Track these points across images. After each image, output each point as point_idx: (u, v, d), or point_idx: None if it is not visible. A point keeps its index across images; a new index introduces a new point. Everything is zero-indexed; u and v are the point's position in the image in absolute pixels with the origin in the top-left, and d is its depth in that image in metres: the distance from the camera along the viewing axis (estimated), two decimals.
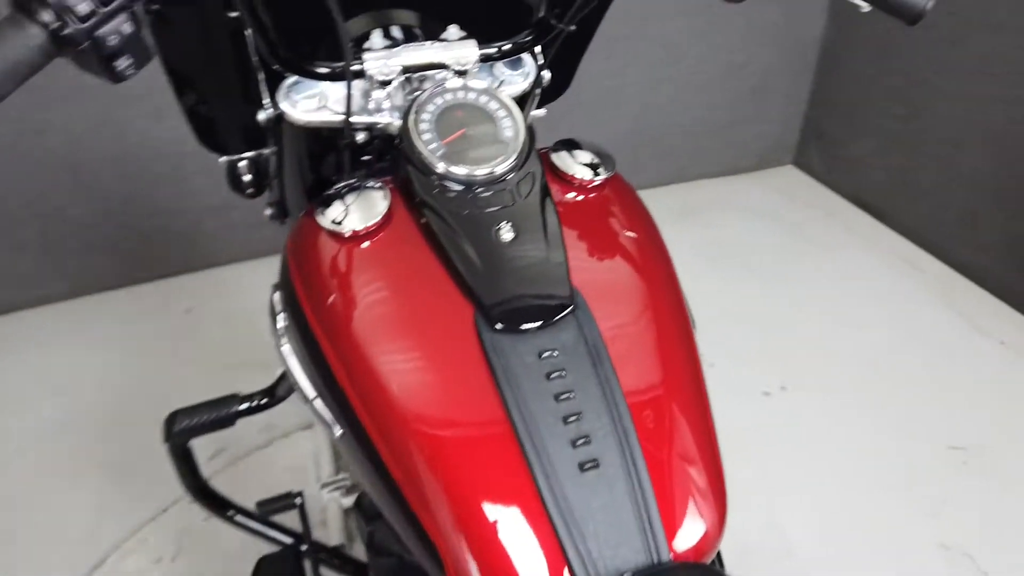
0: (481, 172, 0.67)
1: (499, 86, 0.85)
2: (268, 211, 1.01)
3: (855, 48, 2.53)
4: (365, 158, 0.85)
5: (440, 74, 0.78)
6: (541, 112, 1.08)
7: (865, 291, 2.25)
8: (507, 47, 0.79)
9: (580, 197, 0.73)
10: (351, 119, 0.78)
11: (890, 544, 1.53)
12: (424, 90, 0.76)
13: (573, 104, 2.54)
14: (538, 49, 0.89)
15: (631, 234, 0.73)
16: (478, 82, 0.73)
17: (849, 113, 2.62)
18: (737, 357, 1.99)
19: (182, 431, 0.93)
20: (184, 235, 2.27)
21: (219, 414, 0.93)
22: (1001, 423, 1.79)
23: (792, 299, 2.22)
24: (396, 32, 0.90)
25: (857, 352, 2.01)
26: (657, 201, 2.79)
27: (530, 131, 1.08)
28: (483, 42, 0.81)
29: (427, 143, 0.68)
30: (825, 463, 1.69)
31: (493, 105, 0.71)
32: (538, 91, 0.94)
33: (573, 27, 0.81)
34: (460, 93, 0.71)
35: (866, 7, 0.71)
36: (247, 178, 0.98)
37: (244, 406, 0.93)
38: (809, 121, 2.81)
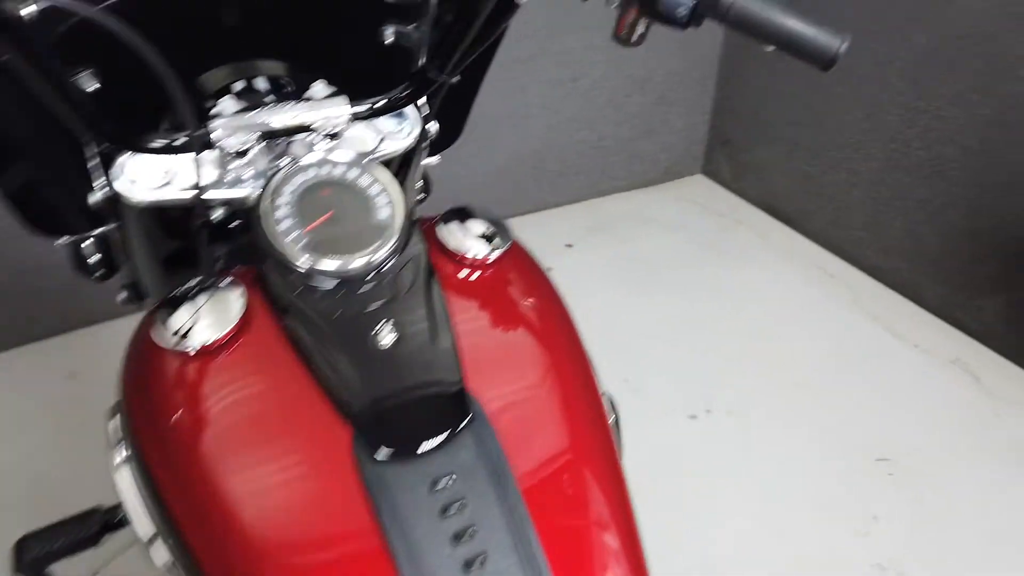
0: (354, 264, 0.57)
1: (380, 143, 0.76)
2: (122, 295, 0.88)
3: (754, 56, 2.54)
4: (233, 224, 0.74)
5: (308, 137, 0.68)
6: (434, 160, 0.99)
7: (780, 300, 2.25)
8: (381, 104, 0.70)
9: (474, 277, 0.64)
10: (204, 195, 0.67)
11: (826, 568, 1.50)
12: (284, 162, 0.66)
13: (474, 125, 2.46)
14: (423, 100, 0.80)
15: (533, 315, 0.64)
16: (345, 153, 0.63)
17: (752, 121, 2.63)
18: (661, 380, 1.94)
19: (36, 560, 0.79)
20: (61, 291, 2.07)
21: (79, 535, 0.80)
22: (922, 429, 1.80)
23: (710, 314, 2.19)
24: (262, 83, 0.79)
25: (777, 365, 1.99)
26: (568, 219, 2.71)
27: (425, 182, 0.98)
28: (359, 94, 0.71)
29: (286, 233, 0.57)
30: (755, 487, 1.66)
31: (365, 180, 0.61)
32: (426, 144, 0.85)
33: (457, 78, 0.72)
34: (324, 168, 0.61)
35: (771, 48, 0.64)
36: (94, 259, 0.85)
37: (109, 520, 0.81)
38: (714, 130, 2.81)
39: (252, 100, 0.77)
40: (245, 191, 0.67)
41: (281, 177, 0.60)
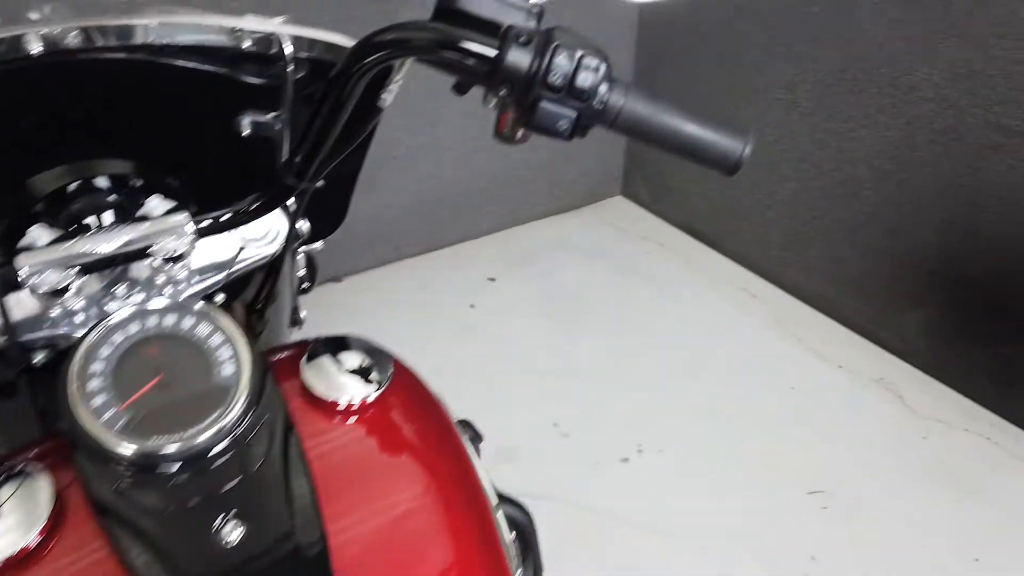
0: (189, 442, 0.47)
1: (240, 252, 0.66)
2: None
3: (663, 79, 2.51)
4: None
5: (148, 260, 0.58)
6: (318, 245, 0.89)
7: (705, 325, 2.22)
8: (227, 218, 0.60)
9: (350, 422, 0.55)
10: (19, 339, 0.56)
11: None
12: (120, 289, 0.56)
13: (386, 159, 2.36)
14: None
15: (420, 467, 0.55)
16: (171, 299, 0.53)
17: None
18: (591, 421, 1.88)
19: None
20: None
21: None
22: (851, 455, 1.79)
23: (636, 345, 2.14)
24: (103, 182, 0.68)
25: (705, 396, 1.96)
26: (490, 250, 2.61)
27: (310, 269, 0.89)
28: (216, 194, 0.61)
29: (99, 411, 0.47)
30: (691, 532, 1.60)
31: (201, 329, 0.51)
32: (298, 243, 0.75)
33: (321, 183, 0.63)
34: (150, 321, 0.51)
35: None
36: None
37: None
38: (630, 153, 2.78)
39: (94, 201, 0.66)
40: (73, 328, 0.57)
41: (92, 341, 0.49)
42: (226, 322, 0.51)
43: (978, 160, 1.73)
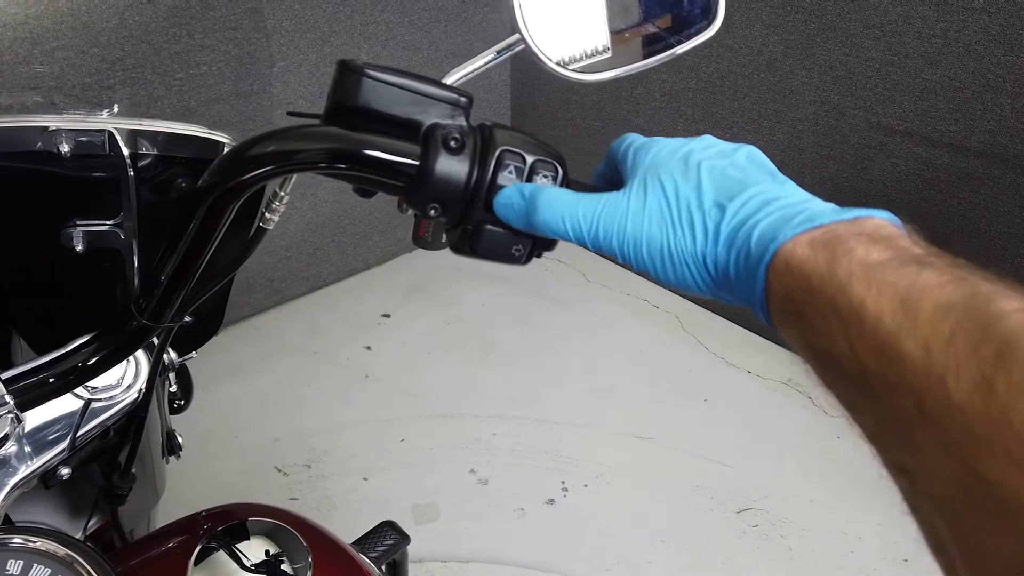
0: None
1: (86, 413, 0.51)
2: None
3: (544, 93, 2.45)
4: None
5: None
6: (193, 354, 0.74)
7: (613, 343, 2.17)
8: (56, 383, 0.44)
9: None
10: None
11: None
12: None
13: None
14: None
15: None
16: None
17: None
18: (510, 463, 1.78)
19: None
20: None
21: None
22: (772, 465, 1.78)
23: (546, 373, 2.06)
24: None
25: (623, 420, 1.90)
26: (381, 283, 2.44)
27: (184, 384, 0.73)
28: (43, 346, 0.46)
29: None
30: (627, 571, 1.54)
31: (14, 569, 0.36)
32: (168, 373, 0.60)
33: (188, 319, 0.49)
34: None
35: None
36: None
37: None
38: None
39: None
40: None
41: None
42: (75, 556, 0.37)
43: (863, 160, 1.76)
